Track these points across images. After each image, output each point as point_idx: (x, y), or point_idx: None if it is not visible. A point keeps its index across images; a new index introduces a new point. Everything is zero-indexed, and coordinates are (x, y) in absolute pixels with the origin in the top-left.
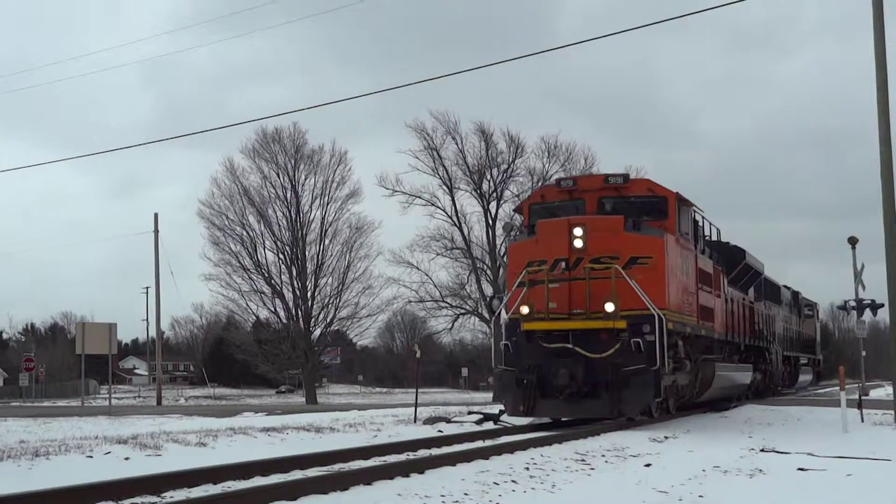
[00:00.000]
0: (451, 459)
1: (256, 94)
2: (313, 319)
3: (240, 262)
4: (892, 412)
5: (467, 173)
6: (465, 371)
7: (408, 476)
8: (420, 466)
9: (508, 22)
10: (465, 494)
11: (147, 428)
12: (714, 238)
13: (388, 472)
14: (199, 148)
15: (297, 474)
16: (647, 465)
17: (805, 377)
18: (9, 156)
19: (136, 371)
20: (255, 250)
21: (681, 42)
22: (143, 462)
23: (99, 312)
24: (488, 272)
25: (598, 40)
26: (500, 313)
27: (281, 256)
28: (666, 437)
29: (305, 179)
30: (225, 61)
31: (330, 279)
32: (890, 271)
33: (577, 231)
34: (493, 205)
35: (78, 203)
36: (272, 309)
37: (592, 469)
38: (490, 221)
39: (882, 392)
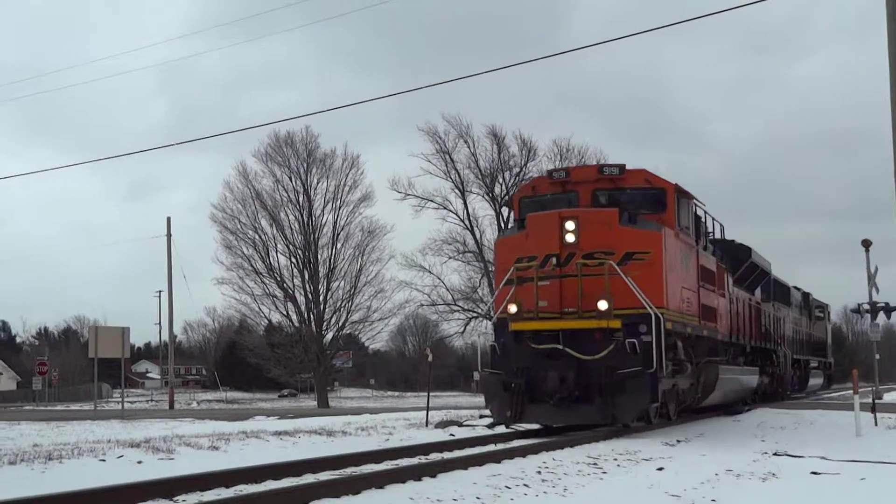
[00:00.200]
0: (463, 463)
1: (269, 99)
2: (325, 323)
3: (252, 266)
4: None
5: (479, 177)
6: (476, 375)
7: (420, 480)
8: (432, 470)
9: (521, 26)
10: (477, 498)
11: (159, 432)
12: (717, 234)
13: (400, 476)
14: (211, 152)
15: (308, 478)
16: (660, 469)
17: (816, 381)
18: (31, 161)
19: (149, 375)
20: (268, 254)
21: (693, 45)
22: (156, 466)
23: (112, 316)
24: None
25: (611, 43)
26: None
27: (293, 260)
28: (678, 441)
29: (318, 183)
30: (238, 66)
31: (342, 283)
32: None
33: (569, 225)
34: (505, 208)
35: (91, 207)
36: (284, 312)
37: (605, 473)
38: (502, 225)
39: None
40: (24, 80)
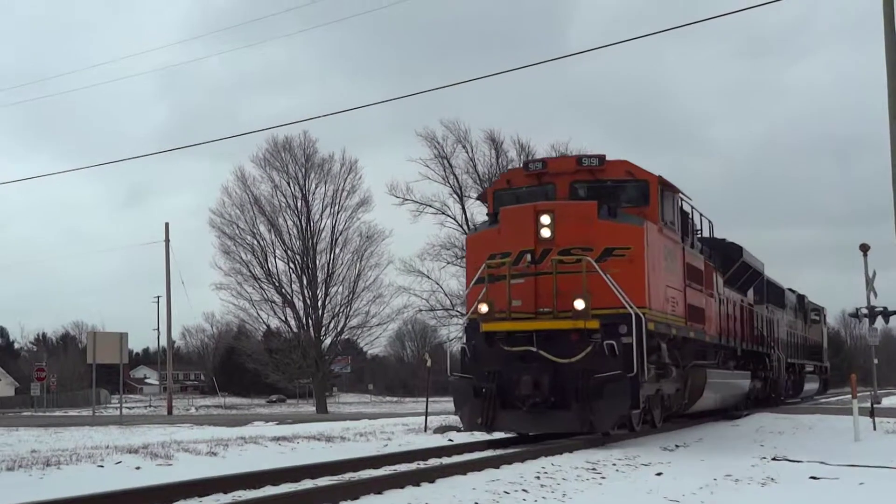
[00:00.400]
0: (462, 468)
1: (268, 103)
2: (324, 328)
3: (250, 272)
4: None
5: (478, 181)
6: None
7: (418, 485)
8: (430, 476)
9: (520, 29)
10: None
11: (158, 437)
12: (706, 232)
13: (398, 482)
14: (210, 157)
15: (307, 483)
16: (659, 475)
17: (811, 385)
18: (31, 166)
19: (147, 380)
20: (266, 259)
21: (694, 48)
22: (154, 471)
23: (110, 322)
24: None
25: (610, 48)
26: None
27: (291, 265)
28: (677, 446)
29: (316, 188)
30: (237, 70)
31: (340, 288)
32: None
33: (545, 219)
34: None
35: (90, 212)
36: (283, 318)
37: (603, 478)
38: None
39: (895, 400)
40: (25, 85)
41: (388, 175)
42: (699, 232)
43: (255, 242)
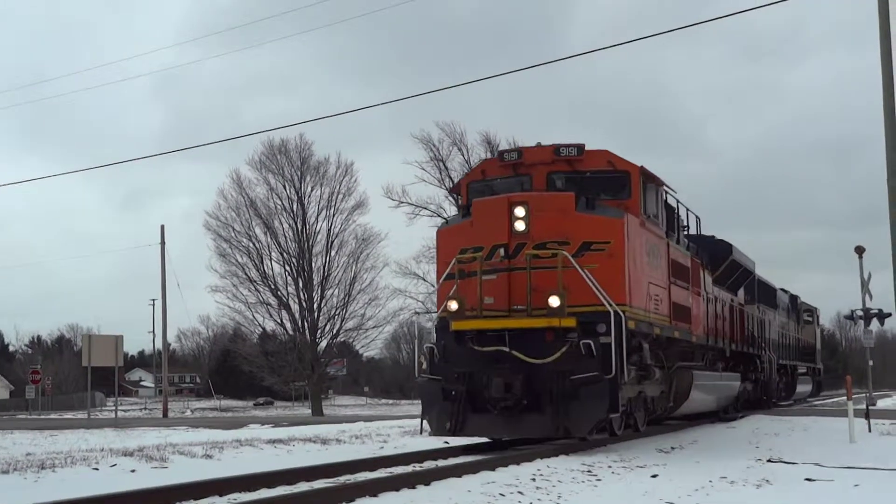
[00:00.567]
0: (458, 471)
1: (264, 106)
2: (319, 331)
3: (246, 274)
4: None
5: None
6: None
7: (414, 488)
8: (426, 478)
9: (518, 32)
10: None
11: (153, 440)
12: (694, 228)
13: (394, 484)
14: (206, 160)
15: (302, 486)
16: (654, 476)
17: (804, 387)
18: (28, 169)
19: (143, 383)
20: (262, 262)
21: (690, 52)
22: (149, 474)
23: (105, 324)
24: None
25: (608, 51)
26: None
27: (287, 268)
28: (672, 448)
29: (312, 191)
30: (233, 74)
31: (336, 290)
32: None
33: (519, 211)
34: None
35: (86, 214)
36: (278, 320)
37: (599, 480)
38: None
39: (890, 402)
40: (22, 88)
41: (384, 177)
42: (686, 229)
43: (251, 245)
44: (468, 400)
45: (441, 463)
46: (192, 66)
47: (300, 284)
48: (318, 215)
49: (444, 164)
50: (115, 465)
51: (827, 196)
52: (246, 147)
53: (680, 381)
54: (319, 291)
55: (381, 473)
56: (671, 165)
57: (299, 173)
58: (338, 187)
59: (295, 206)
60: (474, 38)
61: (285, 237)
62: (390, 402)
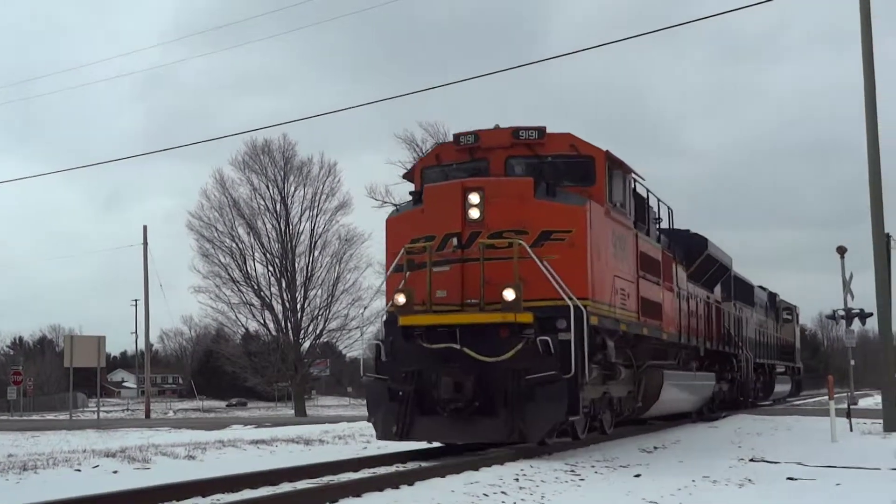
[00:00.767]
0: (441, 471)
1: (247, 106)
2: (303, 331)
3: (229, 275)
4: (881, 421)
5: None
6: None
7: (398, 488)
8: (410, 478)
9: (499, 33)
10: None
11: (136, 441)
12: (666, 220)
13: (377, 485)
14: (189, 160)
15: (286, 487)
16: (637, 476)
17: (782, 387)
18: (7, 169)
19: (125, 384)
20: (245, 262)
21: (671, 53)
22: (132, 475)
23: (87, 325)
24: None
25: (594, 53)
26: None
27: (270, 268)
28: (655, 448)
29: (295, 191)
30: (215, 74)
31: (319, 291)
32: (878, 280)
33: (473, 198)
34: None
35: (67, 215)
36: (261, 321)
37: (582, 480)
38: None
39: (871, 401)
40: (4, 87)
41: (368, 178)
42: (658, 221)
43: (234, 245)
44: (417, 401)
45: (424, 464)
46: (175, 65)
47: (283, 285)
48: (301, 216)
49: None
50: (97, 466)
51: (808, 197)
52: (229, 147)
53: (649, 381)
54: (303, 292)
55: (365, 474)
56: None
57: (282, 173)
58: (321, 187)
59: (278, 207)
60: (458, 40)
61: (268, 237)
62: None
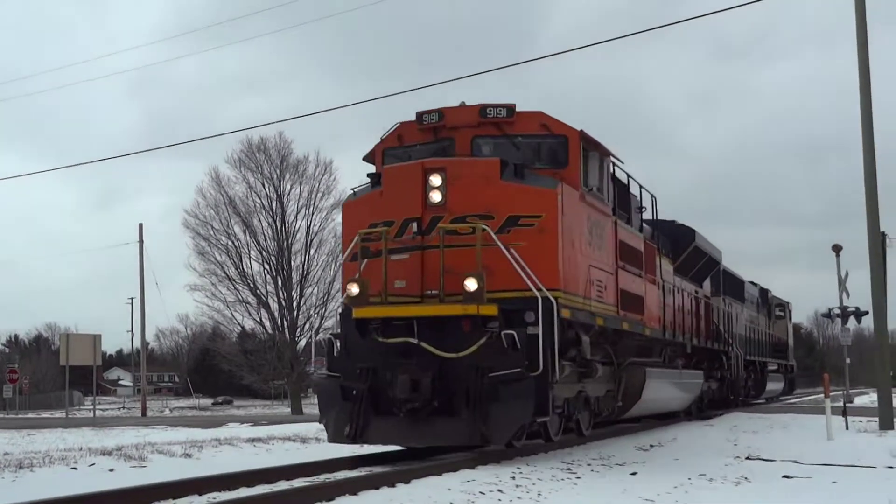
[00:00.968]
0: (438, 469)
1: (243, 104)
2: (299, 329)
3: (225, 273)
4: (877, 419)
5: None
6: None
7: (394, 486)
8: (406, 477)
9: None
10: None
11: (132, 439)
12: (649, 209)
13: (374, 483)
14: (184, 158)
15: (282, 485)
16: (633, 474)
17: (775, 385)
18: (1, 167)
19: (121, 382)
20: (241, 260)
21: (663, 53)
22: (128, 473)
23: (83, 323)
24: None
25: (583, 51)
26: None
27: (266, 266)
28: (651, 446)
29: (291, 189)
30: (211, 72)
31: (315, 289)
32: (874, 279)
33: (435, 180)
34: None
35: (63, 213)
36: (257, 319)
37: (578, 478)
38: None
39: (867, 399)
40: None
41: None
42: (642, 210)
43: (230, 243)
44: (371, 401)
45: (422, 462)
46: (169, 64)
47: (279, 283)
48: (297, 214)
49: None
50: (93, 464)
51: (801, 195)
52: (225, 145)
53: (630, 380)
54: (299, 290)
55: (362, 472)
56: (646, 164)
57: (278, 171)
58: (317, 186)
59: (274, 205)
60: (452, 39)
61: (264, 235)
62: None
